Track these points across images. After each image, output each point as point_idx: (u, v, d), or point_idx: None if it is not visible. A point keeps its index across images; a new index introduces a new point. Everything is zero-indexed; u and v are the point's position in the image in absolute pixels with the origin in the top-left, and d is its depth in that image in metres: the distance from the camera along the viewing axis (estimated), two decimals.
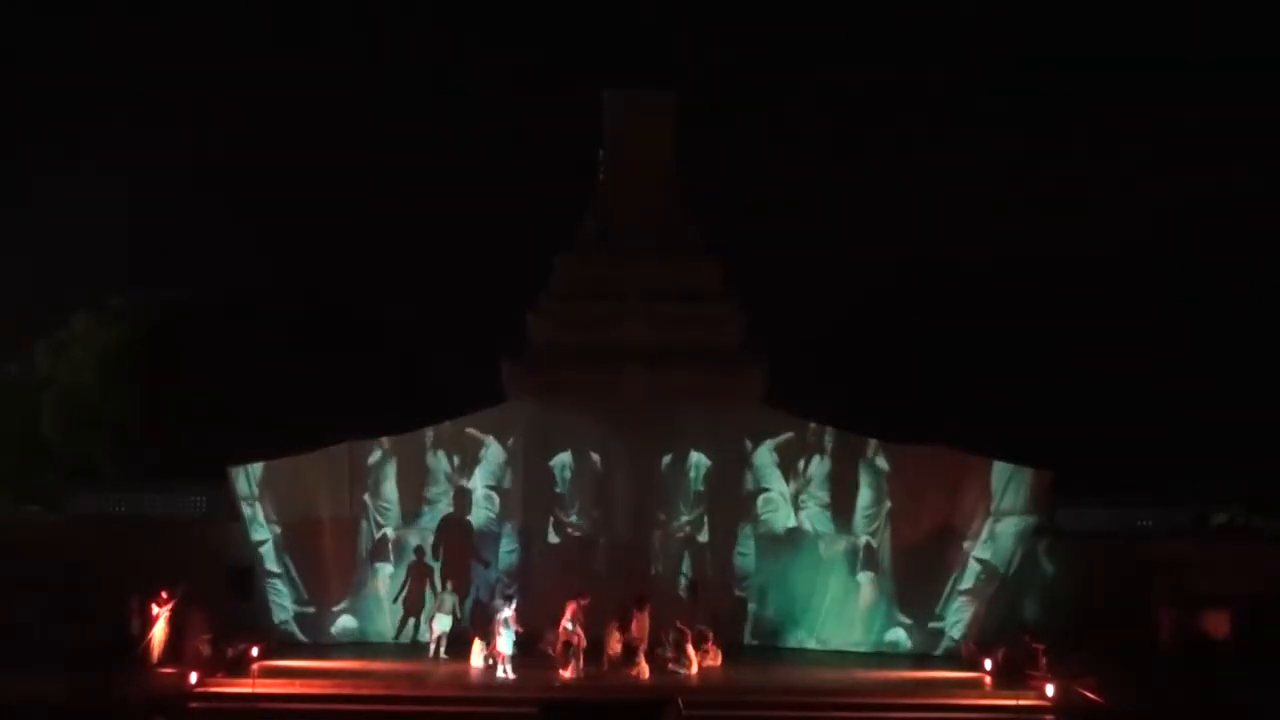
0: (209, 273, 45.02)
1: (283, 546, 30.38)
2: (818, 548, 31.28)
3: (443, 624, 28.69)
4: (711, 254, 33.20)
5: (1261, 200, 42.81)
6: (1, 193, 47.23)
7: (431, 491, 31.75)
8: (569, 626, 26.73)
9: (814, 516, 31.37)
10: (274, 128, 51.95)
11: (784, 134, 53.19)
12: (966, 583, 29.64)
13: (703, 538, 31.79)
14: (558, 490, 32.01)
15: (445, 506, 31.80)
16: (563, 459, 32.04)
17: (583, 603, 27.04)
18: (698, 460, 31.96)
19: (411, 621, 31.07)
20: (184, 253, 47.87)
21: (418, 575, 31.09)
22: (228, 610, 27.93)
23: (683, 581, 31.45)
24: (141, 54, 53.04)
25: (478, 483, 31.91)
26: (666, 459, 31.89)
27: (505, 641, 26.57)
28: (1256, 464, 35.50)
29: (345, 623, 30.97)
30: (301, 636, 30.26)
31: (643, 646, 26.95)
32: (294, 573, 30.47)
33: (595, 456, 31.89)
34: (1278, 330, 38.64)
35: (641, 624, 27.21)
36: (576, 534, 31.89)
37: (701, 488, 31.88)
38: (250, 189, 51.15)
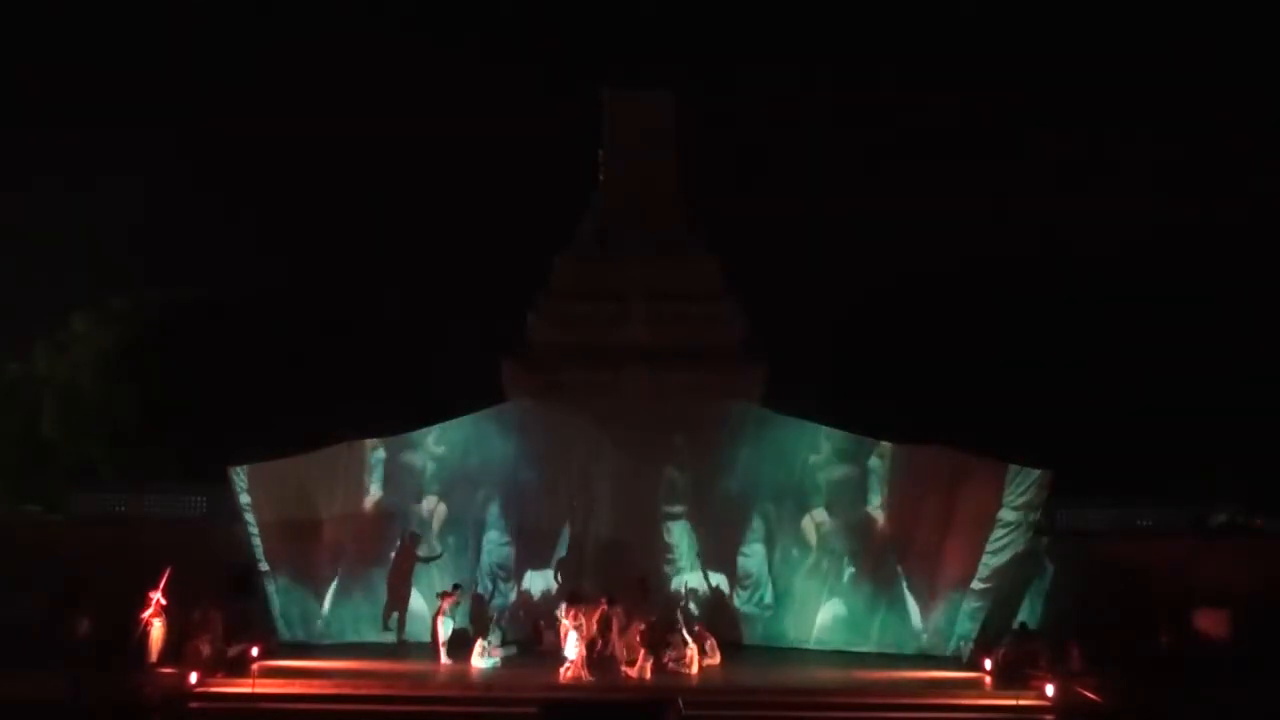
0: (210, 272, 45.08)
1: (282, 546, 30.36)
2: (820, 548, 31.27)
3: (447, 626, 28.43)
4: (711, 254, 33.21)
5: (1262, 199, 42.88)
6: (2, 192, 47.28)
7: (426, 491, 31.73)
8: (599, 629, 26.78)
9: (816, 517, 31.35)
10: (274, 127, 51.95)
11: (783, 133, 53.23)
12: (971, 582, 29.57)
13: (704, 537, 31.79)
14: (556, 489, 32.03)
15: (440, 507, 31.80)
16: (563, 459, 32.09)
17: (605, 605, 27.06)
18: (694, 461, 31.96)
19: (395, 616, 30.93)
20: (185, 252, 47.92)
21: (401, 563, 30.98)
22: (229, 610, 27.94)
23: (690, 583, 31.51)
24: (140, 52, 53.10)
25: (458, 479, 31.92)
26: (666, 458, 31.88)
27: (572, 645, 26.47)
28: (1256, 464, 35.50)
29: (343, 621, 30.93)
30: (301, 636, 30.20)
31: (618, 647, 27.04)
32: (292, 572, 30.44)
33: (594, 456, 31.87)
34: (1277, 330, 38.65)
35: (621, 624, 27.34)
36: (576, 534, 31.89)
37: (704, 488, 31.88)
38: (251, 188, 51.22)
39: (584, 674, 26.27)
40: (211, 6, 54.98)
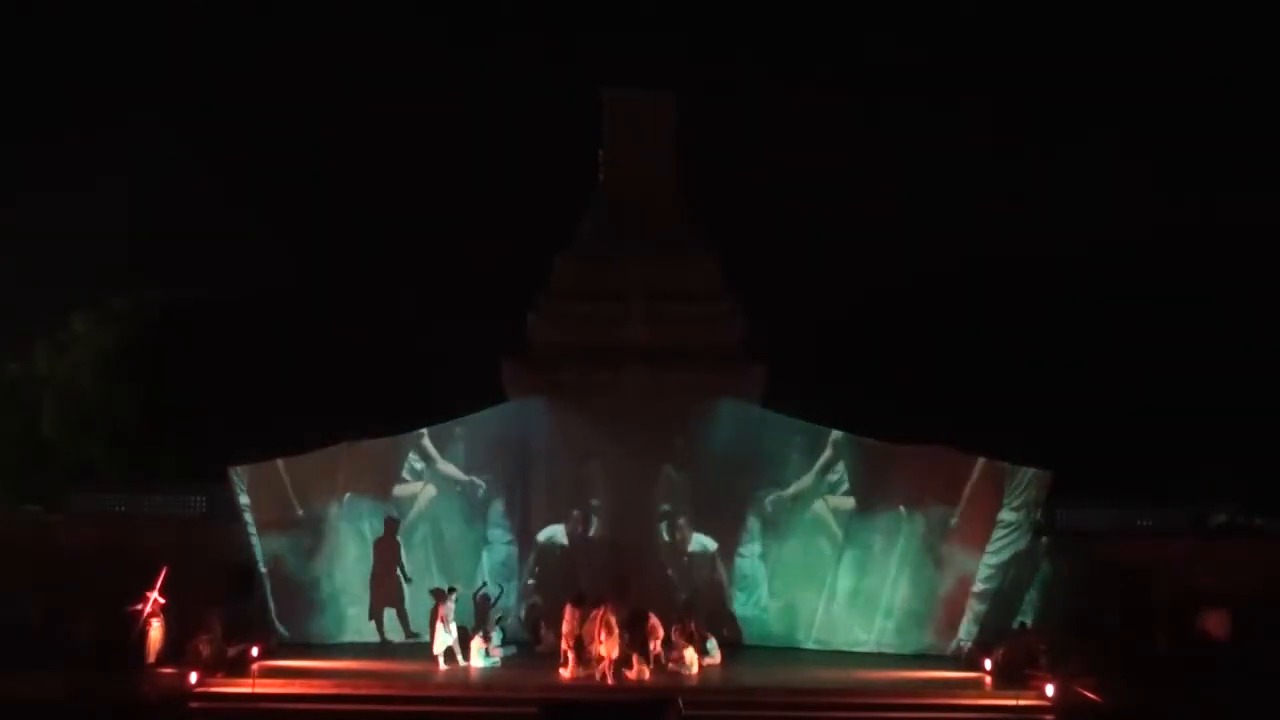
0: (210, 272, 45.08)
1: (281, 546, 30.33)
2: (819, 547, 31.25)
3: (446, 636, 27.93)
4: (711, 254, 33.22)
5: (1260, 199, 42.88)
6: (1, 192, 47.27)
7: (423, 491, 31.67)
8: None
9: (815, 516, 31.32)
10: (275, 126, 51.96)
11: (784, 132, 53.18)
12: (973, 583, 29.52)
13: (702, 537, 31.79)
14: (557, 490, 32.02)
15: (438, 506, 31.75)
16: (563, 459, 32.08)
17: (609, 608, 27.02)
18: (693, 460, 31.93)
19: (389, 613, 30.89)
20: (185, 252, 47.92)
21: (384, 554, 30.89)
22: (229, 610, 27.93)
23: (685, 583, 31.49)
24: (140, 51, 53.08)
25: (458, 478, 31.90)
26: (665, 458, 31.87)
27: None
28: (1256, 464, 35.49)
29: (342, 621, 30.90)
30: (300, 636, 30.14)
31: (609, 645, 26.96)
32: (292, 572, 30.41)
33: (595, 456, 31.86)
34: (1277, 329, 38.63)
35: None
36: (577, 534, 31.89)
37: (702, 488, 31.85)
38: (251, 188, 51.18)
39: (577, 671, 26.30)
40: (211, 4, 54.96)
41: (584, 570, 31.15)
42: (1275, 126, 47.81)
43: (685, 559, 31.66)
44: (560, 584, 30.80)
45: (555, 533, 31.87)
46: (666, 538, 31.80)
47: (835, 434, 31.32)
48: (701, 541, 31.77)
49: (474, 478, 32.02)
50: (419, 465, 31.76)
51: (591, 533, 31.90)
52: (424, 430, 31.89)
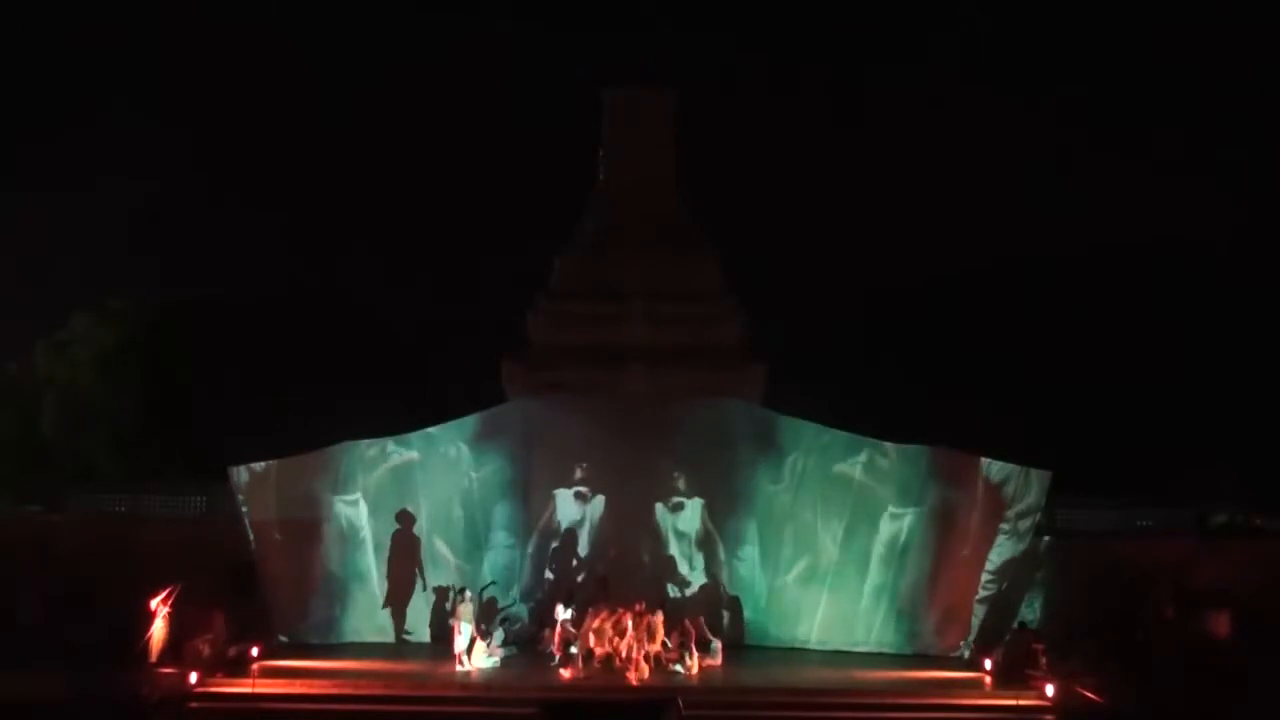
0: (210, 273, 45.16)
1: (281, 546, 30.33)
2: (818, 548, 31.23)
3: (466, 634, 27.90)
4: (711, 253, 33.21)
5: (1260, 200, 42.93)
6: (2, 192, 47.36)
7: (424, 491, 31.68)
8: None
9: (816, 517, 31.30)
10: (276, 128, 52.04)
11: (784, 133, 53.27)
12: (974, 584, 29.47)
13: (702, 537, 31.81)
14: (556, 490, 32.03)
15: (441, 507, 31.72)
16: (563, 459, 32.09)
17: (633, 609, 26.98)
18: (693, 460, 31.94)
19: (394, 610, 30.91)
20: (185, 253, 48.02)
21: (400, 549, 30.88)
22: (229, 610, 27.93)
23: (688, 582, 31.49)
24: (140, 50, 53.16)
25: (459, 479, 31.88)
26: (665, 458, 31.87)
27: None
28: (1256, 464, 35.51)
29: (342, 621, 30.86)
30: (300, 636, 30.11)
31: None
32: (292, 572, 30.39)
33: (595, 455, 31.86)
34: (1277, 330, 38.65)
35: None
36: (576, 533, 31.90)
37: (702, 488, 31.85)
38: (252, 189, 51.28)
39: (577, 671, 26.33)
40: (212, 5, 55.03)
41: (586, 571, 31.23)
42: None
43: (682, 538, 31.63)
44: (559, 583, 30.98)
45: (568, 493, 31.92)
46: (661, 506, 31.77)
47: (838, 434, 31.27)
48: (691, 504, 31.75)
49: (474, 480, 31.87)
50: (423, 474, 31.73)
51: (591, 533, 31.85)
52: (424, 431, 31.82)
